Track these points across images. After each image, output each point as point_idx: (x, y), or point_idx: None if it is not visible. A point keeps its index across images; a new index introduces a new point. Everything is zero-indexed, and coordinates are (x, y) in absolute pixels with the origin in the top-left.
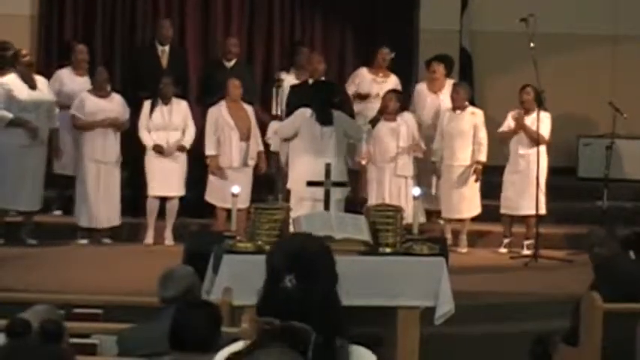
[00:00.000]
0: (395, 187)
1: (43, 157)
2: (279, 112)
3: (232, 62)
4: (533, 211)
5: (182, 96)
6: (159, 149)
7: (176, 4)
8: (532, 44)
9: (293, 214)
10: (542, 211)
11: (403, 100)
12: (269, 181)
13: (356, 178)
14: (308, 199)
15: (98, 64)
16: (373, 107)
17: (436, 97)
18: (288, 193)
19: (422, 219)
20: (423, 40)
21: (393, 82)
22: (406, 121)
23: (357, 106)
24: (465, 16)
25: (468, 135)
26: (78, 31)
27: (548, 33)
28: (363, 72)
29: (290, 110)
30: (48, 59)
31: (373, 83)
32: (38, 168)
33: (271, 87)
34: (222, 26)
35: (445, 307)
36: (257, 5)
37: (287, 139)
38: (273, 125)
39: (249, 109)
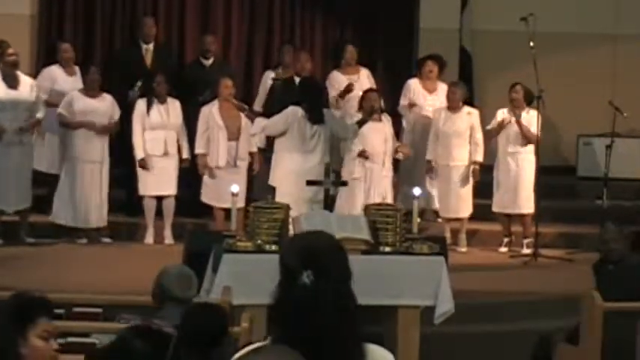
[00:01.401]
0: (382, 187)
1: (26, 156)
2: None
3: (210, 60)
4: (526, 210)
5: (174, 95)
6: (143, 164)
7: (176, 4)
8: (532, 43)
9: None
10: (532, 210)
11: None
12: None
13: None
14: (293, 197)
15: (97, 64)
16: (353, 105)
17: (429, 97)
18: (273, 190)
19: None
20: (423, 40)
21: (365, 75)
22: (388, 122)
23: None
24: (465, 15)
25: (464, 135)
26: (77, 30)
27: (549, 32)
28: (336, 74)
29: (277, 107)
30: (47, 59)
31: (347, 82)
32: (22, 166)
33: (267, 85)
34: (222, 26)
35: (445, 306)
36: (257, 5)
37: (273, 137)
38: (260, 122)
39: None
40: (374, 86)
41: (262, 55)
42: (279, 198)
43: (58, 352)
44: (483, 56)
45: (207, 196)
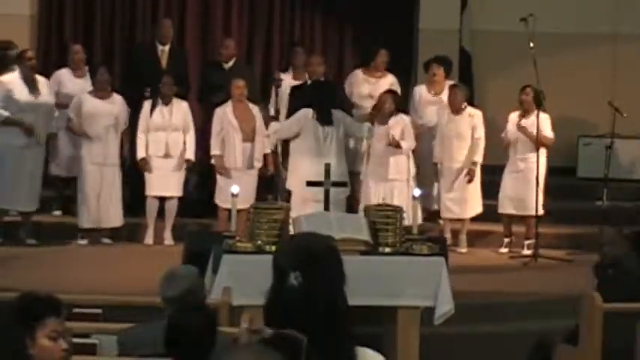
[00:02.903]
0: (389, 190)
1: (40, 158)
2: (274, 113)
3: (231, 63)
4: (532, 212)
5: (182, 96)
6: (144, 163)
7: (176, 4)
8: (532, 44)
9: (294, 215)
10: (541, 211)
11: (400, 100)
12: (268, 181)
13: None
14: (310, 200)
15: (97, 64)
16: (367, 108)
17: (438, 100)
18: (289, 193)
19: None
20: (423, 40)
21: (388, 81)
22: (399, 123)
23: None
24: (465, 15)
25: (466, 136)
26: (77, 30)
27: (548, 33)
28: (357, 73)
29: (291, 111)
30: (47, 59)
31: (366, 84)
32: (36, 168)
33: (270, 87)
34: (222, 26)
35: (445, 306)
36: (257, 5)
37: (287, 140)
38: (274, 126)
39: (256, 110)
40: (399, 92)
41: (262, 55)
42: (297, 201)
43: (66, 351)
44: (483, 56)
45: (219, 197)
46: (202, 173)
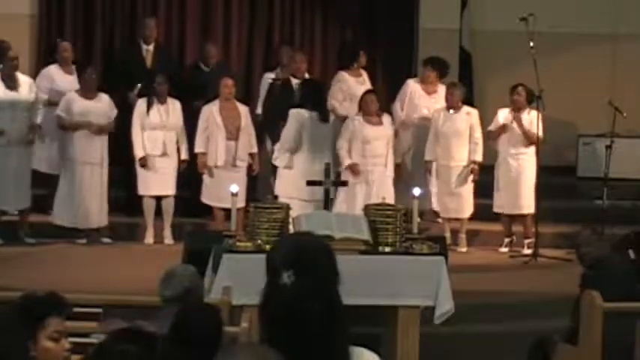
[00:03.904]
0: (383, 188)
1: (25, 156)
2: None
3: (211, 65)
4: (527, 211)
5: (175, 96)
6: (143, 162)
7: (176, 4)
8: (532, 43)
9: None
10: (532, 210)
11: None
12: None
13: None
14: (300, 200)
15: (97, 64)
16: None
17: (429, 99)
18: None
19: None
20: (423, 40)
21: (366, 77)
22: (389, 127)
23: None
24: (465, 15)
25: (464, 135)
26: (77, 30)
27: (548, 32)
28: (345, 76)
29: (277, 108)
30: (47, 59)
31: (359, 85)
32: (21, 166)
33: (259, 86)
34: (221, 27)
35: (445, 306)
36: (257, 5)
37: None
38: (277, 148)
39: (243, 109)
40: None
41: (262, 55)
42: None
43: (69, 351)
44: (483, 56)
45: (207, 197)
46: (193, 172)
